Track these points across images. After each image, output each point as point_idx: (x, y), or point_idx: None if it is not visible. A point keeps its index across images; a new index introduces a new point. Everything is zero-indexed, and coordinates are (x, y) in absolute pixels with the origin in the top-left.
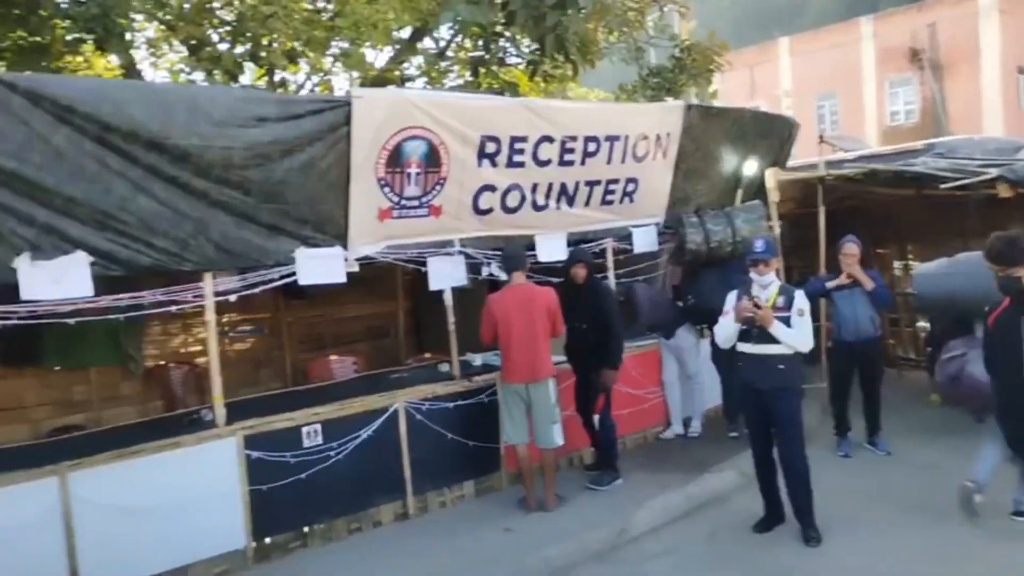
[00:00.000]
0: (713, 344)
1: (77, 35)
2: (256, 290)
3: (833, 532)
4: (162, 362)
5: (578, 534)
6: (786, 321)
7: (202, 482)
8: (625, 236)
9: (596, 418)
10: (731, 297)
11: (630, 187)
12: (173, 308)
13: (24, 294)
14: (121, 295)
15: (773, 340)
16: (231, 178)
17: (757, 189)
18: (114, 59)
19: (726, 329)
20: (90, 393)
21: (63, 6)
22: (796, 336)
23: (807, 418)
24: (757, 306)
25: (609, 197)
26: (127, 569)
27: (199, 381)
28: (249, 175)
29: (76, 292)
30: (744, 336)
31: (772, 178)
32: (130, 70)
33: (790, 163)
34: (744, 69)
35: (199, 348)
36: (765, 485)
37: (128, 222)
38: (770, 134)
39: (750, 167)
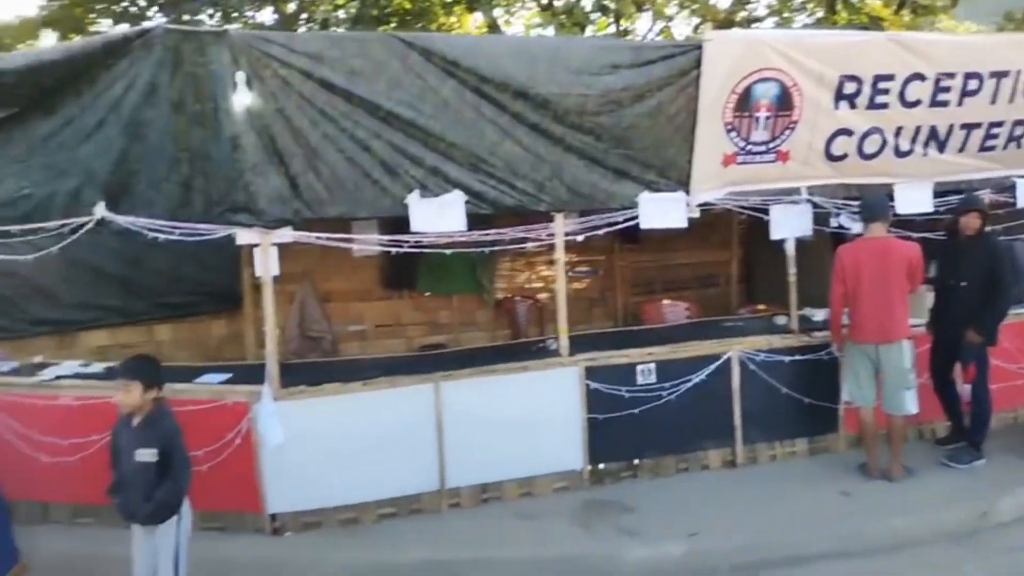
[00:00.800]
0: None
1: None
2: (600, 231)
3: None
4: (509, 295)
5: (929, 510)
6: None
7: (546, 404)
8: (1007, 187)
9: (967, 388)
10: None
11: (1018, 131)
12: (528, 245)
13: (414, 226)
14: (487, 231)
15: None
16: (584, 124)
17: None
18: (478, 17)
19: None
20: (452, 317)
21: None
22: None
23: None
24: None
25: (990, 142)
26: (482, 471)
27: (540, 314)
28: (601, 121)
29: (454, 227)
30: None
31: None
32: (492, 27)
33: None
34: None
35: (540, 285)
36: None
37: (496, 165)
38: None
39: None
